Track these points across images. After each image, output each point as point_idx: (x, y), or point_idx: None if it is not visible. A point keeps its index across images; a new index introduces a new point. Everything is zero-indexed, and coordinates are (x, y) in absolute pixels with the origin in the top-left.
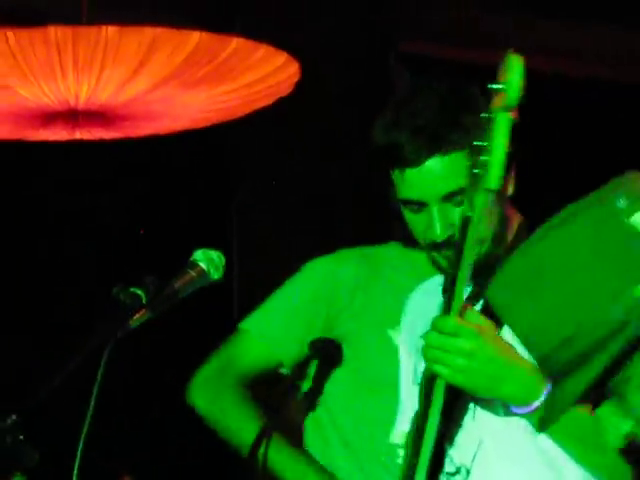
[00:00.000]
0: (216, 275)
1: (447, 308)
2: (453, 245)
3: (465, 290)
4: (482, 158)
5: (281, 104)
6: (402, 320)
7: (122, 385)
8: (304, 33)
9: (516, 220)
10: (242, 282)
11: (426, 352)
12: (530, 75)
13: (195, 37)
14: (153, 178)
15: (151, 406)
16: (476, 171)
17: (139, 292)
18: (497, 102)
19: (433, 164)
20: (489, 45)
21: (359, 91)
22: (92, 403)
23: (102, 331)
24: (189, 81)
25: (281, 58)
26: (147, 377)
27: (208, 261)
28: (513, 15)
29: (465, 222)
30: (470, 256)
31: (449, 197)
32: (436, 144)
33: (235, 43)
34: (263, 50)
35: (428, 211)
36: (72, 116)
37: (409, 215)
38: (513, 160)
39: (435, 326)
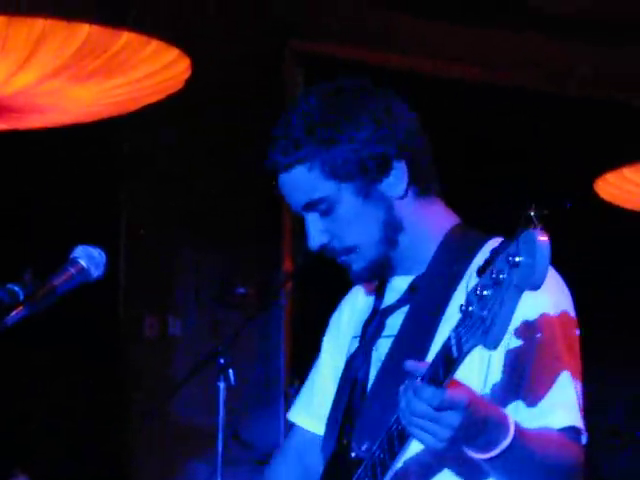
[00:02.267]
0: (96, 273)
1: (435, 377)
2: (343, 252)
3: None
4: (483, 312)
5: (172, 100)
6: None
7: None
8: (196, 30)
9: (445, 222)
10: (128, 278)
11: (409, 419)
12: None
13: (85, 29)
14: (40, 172)
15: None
16: (471, 315)
17: (16, 288)
18: (510, 275)
19: (286, 177)
20: (380, 44)
21: (252, 89)
22: None
23: None
24: (78, 74)
25: (172, 54)
26: (32, 373)
27: (88, 258)
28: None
29: (447, 361)
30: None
31: (310, 207)
32: (283, 159)
33: (126, 37)
34: (154, 45)
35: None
36: None
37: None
38: (404, 155)
39: (422, 396)
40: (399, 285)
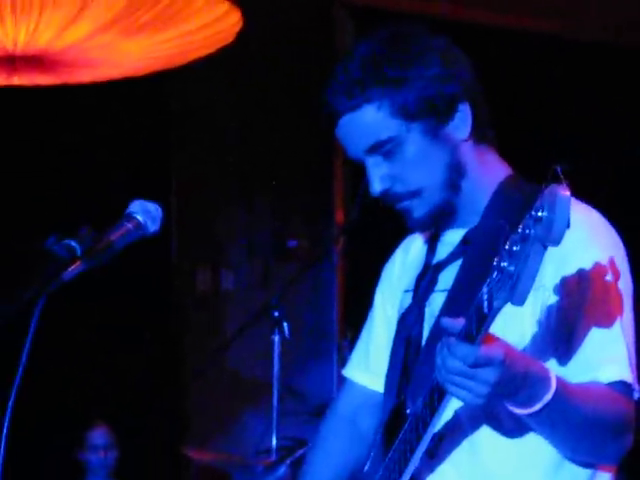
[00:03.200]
0: (153, 227)
1: (469, 333)
2: (407, 196)
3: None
4: (510, 266)
5: (223, 54)
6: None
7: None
8: None
9: (497, 171)
10: (180, 235)
11: (445, 377)
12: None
13: None
14: (90, 127)
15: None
16: (502, 270)
17: (73, 244)
18: (535, 230)
19: (350, 119)
20: None
21: (302, 42)
22: (24, 355)
23: (35, 283)
24: (129, 28)
25: (223, 6)
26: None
27: (145, 213)
28: None
29: (480, 317)
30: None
31: (374, 149)
32: (348, 100)
33: None
34: None
35: (367, 167)
36: (10, 61)
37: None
38: (462, 96)
39: (457, 354)
40: (452, 238)
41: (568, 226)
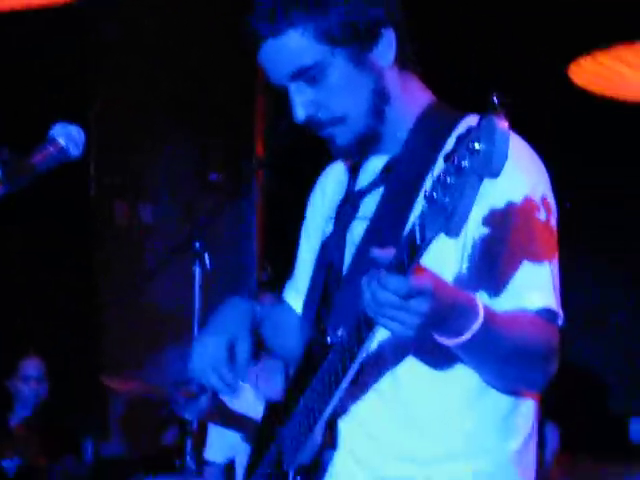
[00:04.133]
0: (75, 152)
1: (401, 264)
2: (331, 122)
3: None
4: (445, 198)
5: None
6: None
7: None
8: None
9: (420, 98)
10: (98, 166)
11: (376, 309)
12: None
13: None
14: (11, 54)
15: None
16: (434, 202)
17: None
18: (471, 162)
19: (273, 44)
20: None
21: None
22: None
23: None
24: None
25: None
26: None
27: (67, 136)
28: None
29: (411, 246)
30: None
31: (298, 75)
32: (272, 25)
33: None
34: None
35: (290, 93)
36: None
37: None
38: (388, 22)
39: (388, 286)
40: (374, 166)
41: (506, 158)
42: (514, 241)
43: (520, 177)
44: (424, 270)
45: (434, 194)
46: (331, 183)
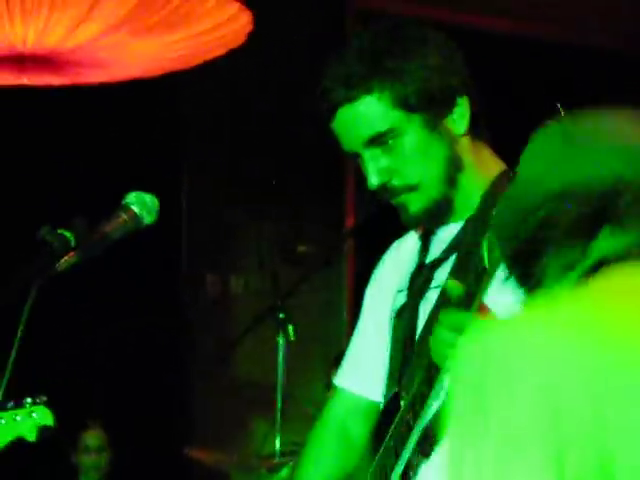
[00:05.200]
0: (149, 219)
1: (468, 294)
2: (404, 190)
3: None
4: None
5: (234, 55)
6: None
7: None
8: None
9: (492, 167)
10: (190, 237)
11: (435, 348)
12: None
13: None
14: (101, 127)
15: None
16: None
17: (67, 234)
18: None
19: (349, 110)
20: (452, 3)
21: (313, 47)
22: (15, 346)
23: (28, 273)
24: (140, 28)
25: (233, 7)
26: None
27: (141, 204)
28: None
29: (478, 273)
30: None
31: (373, 142)
32: (347, 90)
33: None
34: None
35: (362, 161)
36: (19, 61)
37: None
38: (457, 92)
39: (449, 322)
40: (447, 234)
41: None
42: None
43: None
44: (488, 310)
45: None
46: (400, 255)
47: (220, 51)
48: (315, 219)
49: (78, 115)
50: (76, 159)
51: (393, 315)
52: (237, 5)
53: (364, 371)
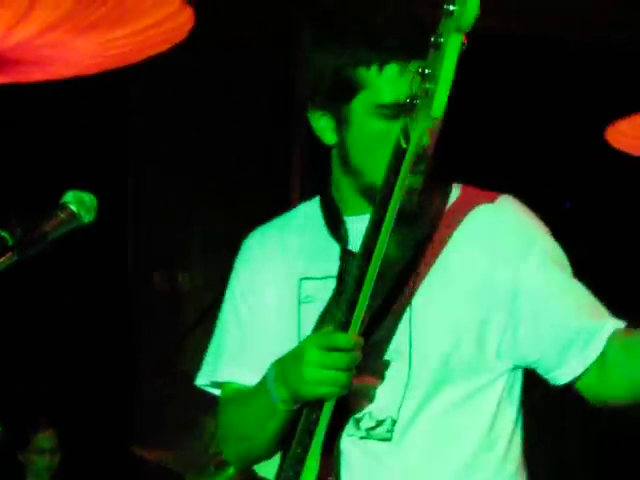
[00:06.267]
0: (87, 218)
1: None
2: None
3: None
4: (425, 85)
5: (176, 52)
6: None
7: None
8: None
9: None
10: (137, 225)
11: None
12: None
13: None
14: (44, 125)
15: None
16: (415, 100)
17: (3, 234)
18: (447, 24)
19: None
20: None
21: (259, 42)
22: None
23: None
24: (80, 25)
25: (173, 4)
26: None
27: (79, 203)
28: None
29: (398, 155)
30: (398, 198)
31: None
32: (425, 43)
33: None
34: None
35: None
36: None
37: (380, 125)
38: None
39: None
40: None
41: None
42: (571, 289)
43: (536, 233)
44: None
45: (415, 101)
46: (291, 244)
47: (161, 47)
48: (260, 215)
49: (18, 112)
50: (15, 157)
51: (302, 302)
52: (177, 2)
53: (256, 362)
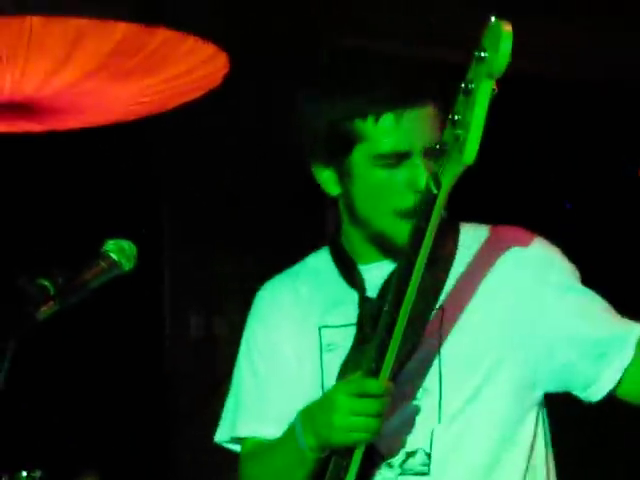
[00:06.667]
0: (127, 266)
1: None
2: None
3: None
4: (456, 131)
5: (210, 97)
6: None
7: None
8: (232, 26)
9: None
10: (173, 270)
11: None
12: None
13: (121, 28)
14: (79, 172)
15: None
16: (445, 146)
17: (46, 283)
18: (478, 70)
19: (418, 112)
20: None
21: (290, 86)
22: None
23: (6, 323)
24: (117, 73)
25: (209, 50)
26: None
27: (119, 251)
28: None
29: (428, 201)
30: (429, 244)
31: (426, 152)
32: (420, 90)
33: (162, 34)
34: (191, 42)
35: (410, 164)
36: None
37: (382, 175)
38: None
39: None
40: (375, 273)
41: (509, 55)
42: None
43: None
44: None
45: (444, 146)
46: (304, 294)
47: (197, 93)
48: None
49: (53, 162)
50: (53, 207)
51: (324, 350)
52: (212, 48)
53: (277, 414)
